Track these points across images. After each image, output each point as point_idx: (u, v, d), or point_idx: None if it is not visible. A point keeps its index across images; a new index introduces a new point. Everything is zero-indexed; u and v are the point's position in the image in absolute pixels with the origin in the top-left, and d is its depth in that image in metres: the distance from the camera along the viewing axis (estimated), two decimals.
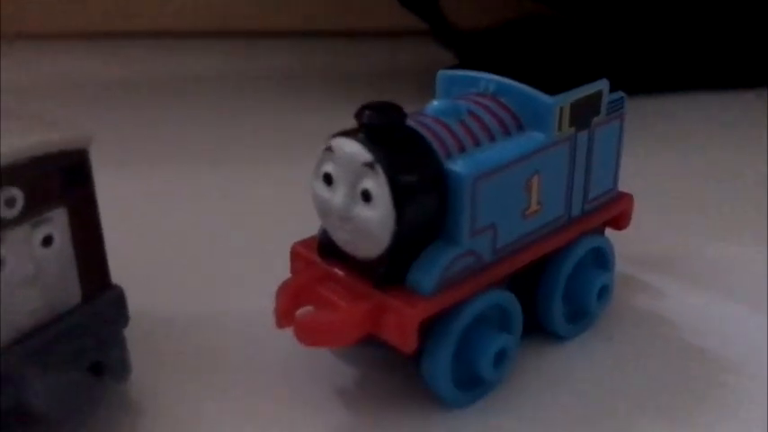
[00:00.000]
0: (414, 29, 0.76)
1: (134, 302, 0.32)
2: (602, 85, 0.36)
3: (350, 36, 0.80)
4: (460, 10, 0.70)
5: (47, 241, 0.28)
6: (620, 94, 0.37)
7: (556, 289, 0.36)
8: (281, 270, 0.35)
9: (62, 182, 0.28)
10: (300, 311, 0.32)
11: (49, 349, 0.28)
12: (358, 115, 0.30)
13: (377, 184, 0.29)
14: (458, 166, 0.31)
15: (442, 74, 0.36)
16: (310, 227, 0.35)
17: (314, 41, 0.80)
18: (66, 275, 0.29)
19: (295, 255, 0.35)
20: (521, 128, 0.34)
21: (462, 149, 0.32)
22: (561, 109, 0.34)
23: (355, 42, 0.79)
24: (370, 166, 0.29)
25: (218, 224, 0.48)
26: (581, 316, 0.37)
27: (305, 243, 0.35)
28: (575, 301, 0.37)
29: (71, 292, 0.30)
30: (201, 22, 0.82)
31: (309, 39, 0.80)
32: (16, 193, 0.27)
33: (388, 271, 0.31)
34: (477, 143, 0.32)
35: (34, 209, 0.28)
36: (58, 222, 0.28)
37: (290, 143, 0.58)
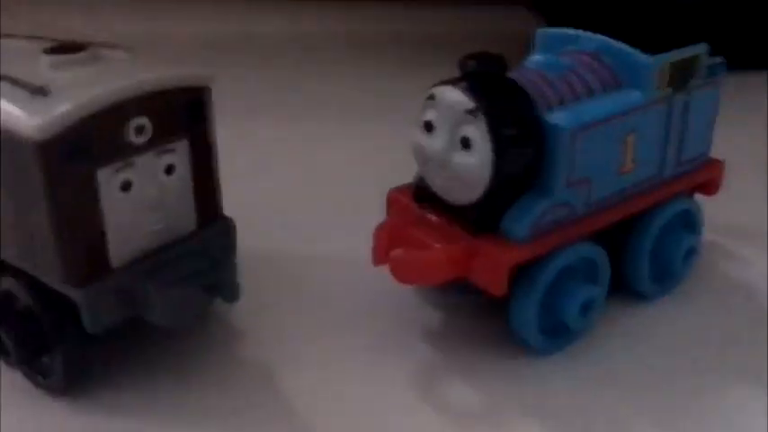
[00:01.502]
0: None
1: (240, 238, 0.35)
2: (702, 49, 0.36)
3: (446, 2, 0.82)
4: None
5: (170, 170, 0.31)
6: (720, 59, 0.37)
7: (643, 247, 0.36)
8: (378, 216, 0.36)
9: (186, 116, 0.31)
10: (396, 250, 0.34)
11: (167, 268, 0.31)
12: (461, 65, 0.31)
13: (477, 131, 0.31)
14: (557, 118, 0.32)
15: (542, 32, 0.37)
16: (404, 177, 0.36)
17: (410, 7, 0.81)
18: (184, 203, 0.32)
19: (391, 200, 0.36)
20: (619, 86, 0.34)
21: (561, 102, 0.32)
22: (660, 69, 0.34)
23: (447, 7, 0.81)
24: (471, 113, 0.31)
25: (321, 173, 0.51)
26: (666, 277, 0.38)
27: (400, 190, 0.36)
28: (661, 261, 0.37)
29: (188, 218, 0.32)
30: None
31: (405, 4, 0.82)
32: (145, 122, 0.29)
33: (482, 216, 0.32)
34: (576, 97, 0.33)
35: (160, 138, 0.30)
36: (180, 153, 0.31)
37: (387, 101, 0.60)
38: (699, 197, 0.40)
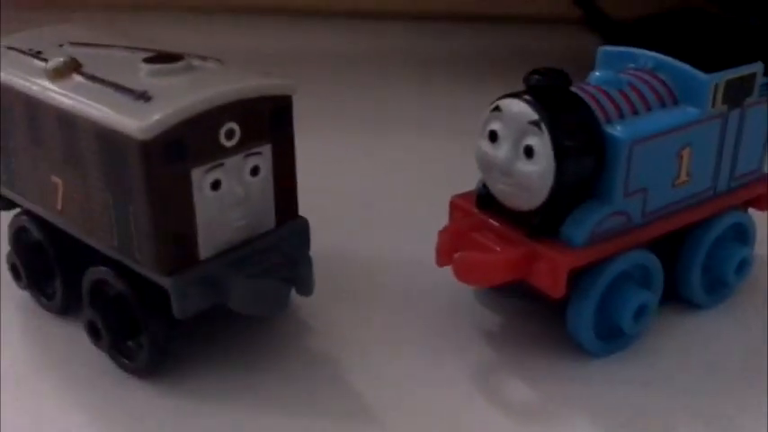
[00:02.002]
0: (562, 16, 0.79)
1: (312, 239, 0.37)
2: (757, 67, 0.37)
3: (503, 22, 0.85)
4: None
5: (254, 171, 0.33)
6: None
7: (696, 258, 0.38)
8: (441, 221, 0.38)
9: (270, 121, 0.33)
10: (460, 253, 0.36)
11: (248, 261, 0.33)
12: (526, 79, 0.34)
13: (540, 141, 0.33)
14: (616, 130, 0.33)
15: (603, 49, 0.39)
16: (466, 185, 0.38)
17: (471, 26, 0.84)
18: (265, 202, 0.34)
19: (453, 206, 0.38)
20: (676, 102, 0.36)
21: (621, 116, 0.34)
22: (716, 86, 0.36)
23: (508, 28, 0.83)
24: (535, 124, 0.33)
25: (387, 181, 0.53)
26: (719, 287, 0.39)
27: (463, 196, 0.38)
28: (714, 272, 0.39)
29: (267, 217, 0.34)
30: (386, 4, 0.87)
31: (465, 24, 0.85)
32: (235, 127, 0.32)
33: (542, 222, 0.34)
34: (634, 112, 0.35)
35: (248, 142, 0.32)
36: (264, 156, 0.33)
37: (449, 116, 0.63)
38: (751, 211, 0.41)
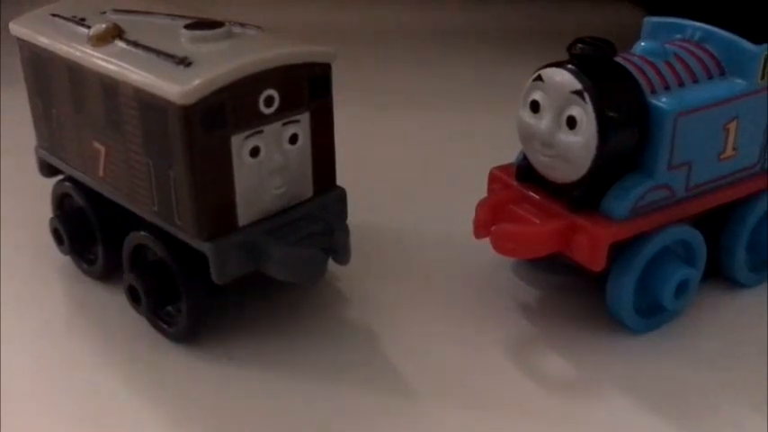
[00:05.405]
0: None
1: (349, 210, 0.37)
2: None
3: None
4: None
5: (293, 139, 0.33)
6: None
7: (741, 235, 0.37)
8: (479, 193, 0.38)
9: (309, 89, 0.33)
10: (498, 224, 0.35)
11: (286, 229, 0.33)
12: (570, 47, 0.33)
13: (583, 111, 0.32)
14: (661, 101, 0.33)
15: (649, 20, 0.38)
16: (505, 158, 0.38)
17: (512, 2, 0.83)
18: (303, 171, 0.34)
19: (493, 178, 0.38)
20: (723, 74, 0.35)
21: (666, 87, 0.34)
22: (766, 58, 0.35)
23: (550, 3, 0.82)
24: (578, 94, 0.32)
25: (426, 152, 0.53)
26: (763, 266, 0.38)
27: (502, 168, 0.38)
28: (758, 250, 0.38)
29: (305, 186, 0.34)
30: None
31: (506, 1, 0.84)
32: (274, 94, 0.32)
33: (583, 194, 0.34)
34: (680, 83, 0.34)
35: (286, 110, 0.32)
36: (302, 124, 0.33)
37: (490, 89, 0.62)
38: None
